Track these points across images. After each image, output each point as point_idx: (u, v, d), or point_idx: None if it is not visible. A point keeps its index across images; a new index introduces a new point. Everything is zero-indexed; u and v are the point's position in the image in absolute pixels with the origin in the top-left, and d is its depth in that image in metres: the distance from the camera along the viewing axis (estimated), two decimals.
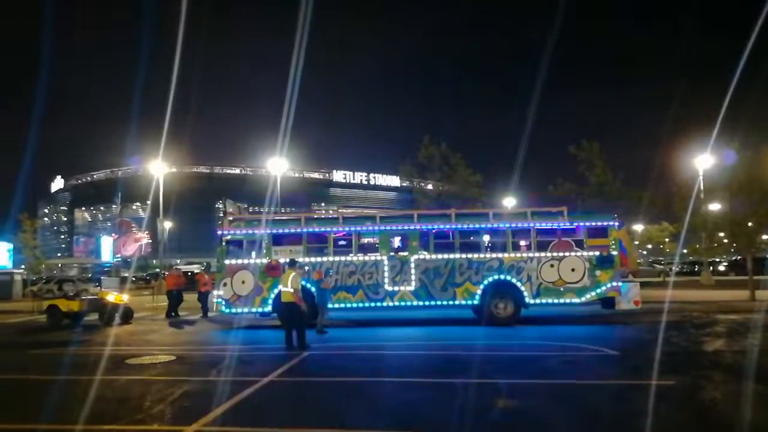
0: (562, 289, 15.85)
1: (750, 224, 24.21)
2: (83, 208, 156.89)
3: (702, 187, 32.93)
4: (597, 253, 15.95)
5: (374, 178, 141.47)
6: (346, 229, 16.35)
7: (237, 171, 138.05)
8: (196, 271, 37.19)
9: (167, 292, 20.55)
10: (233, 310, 15.92)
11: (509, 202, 35.37)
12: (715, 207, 34.03)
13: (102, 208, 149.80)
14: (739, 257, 50.90)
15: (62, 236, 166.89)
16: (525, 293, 15.78)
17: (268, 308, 15.83)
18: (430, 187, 31.86)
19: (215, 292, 16.24)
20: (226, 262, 16.01)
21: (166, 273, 20.89)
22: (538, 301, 15.86)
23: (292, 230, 16.27)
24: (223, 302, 15.81)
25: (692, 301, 22.60)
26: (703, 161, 33.25)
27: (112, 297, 18.04)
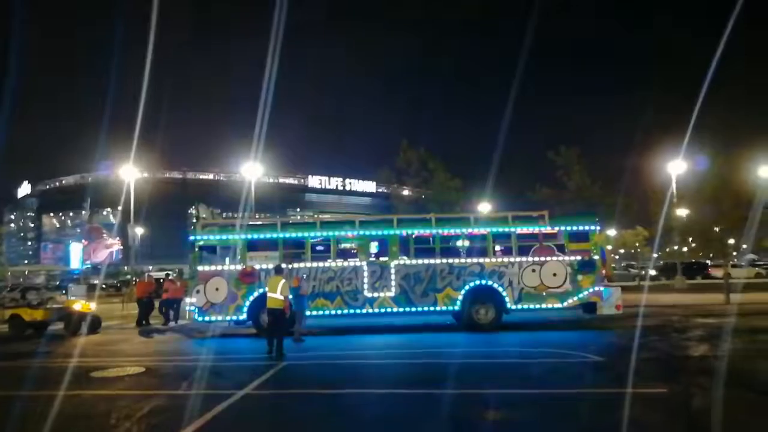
0: (544, 294, 15.64)
1: (717, 230, 24.67)
2: (51, 214, 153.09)
3: (675, 192, 33.49)
4: (579, 257, 15.78)
5: (350, 183, 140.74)
6: (324, 234, 15.92)
7: (210, 176, 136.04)
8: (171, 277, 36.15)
9: (137, 300, 19.83)
10: (207, 319, 15.34)
11: (485, 207, 35.35)
12: (683, 212, 34.57)
13: (71, 214, 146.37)
14: (666, 262, 52.14)
15: (29, 243, 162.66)
16: (507, 298, 15.53)
17: (243, 316, 15.30)
18: (406, 192, 31.61)
19: (188, 300, 15.64)
20: (199, 268, 15.43)
21: (137, 280, 20.14)
22: (519, 306, 15.62)
23: (268, 235, 15.77)
24: (196, 310, 15.21)
25: (669, 305, 22.65)
26: (675, 166, 33.82)
27: (78, 305, 17.27)
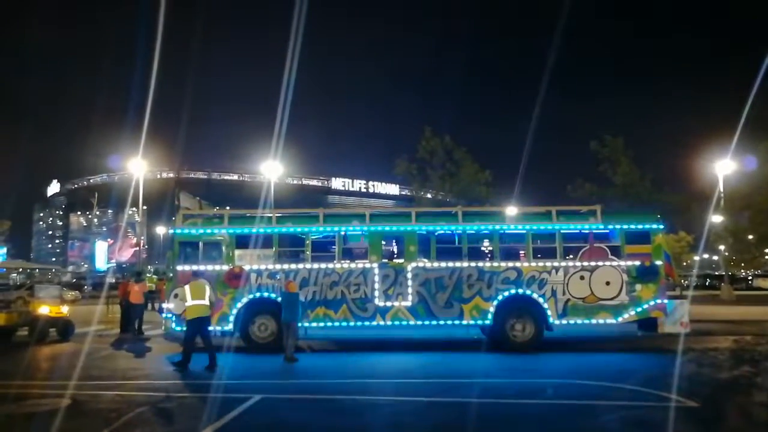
0: (594, 306, 12.75)
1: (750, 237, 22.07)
2: (78, 213, 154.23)
3: (722, 195, 30.16)
4: (637, 262, 12.86)
5: (373, 186, 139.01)
6: (328, 229, 13.25)
7: (235, 177, 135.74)
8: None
9: (120, 303, 17.45)
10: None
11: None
12: (718, 219, 31.27)
13: (97, 212, 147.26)
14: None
15: (57, 240, 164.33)
16: (549, 312, 12.68)
17: (229, 326, 12.71)
18: (429, 195, 28.79)
19: (164, 305, 13.10)
20: (179, 268, 12.89)
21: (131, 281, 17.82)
22: (564, 321, 12.75)
23: (261, 230, 13.15)
24: (174, 318, 12.66)
25: (732, 320, 19.59)
26: (723, 167, 30.49)
27: (46, 309, 14.90)
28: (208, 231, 13.14)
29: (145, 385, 9.10)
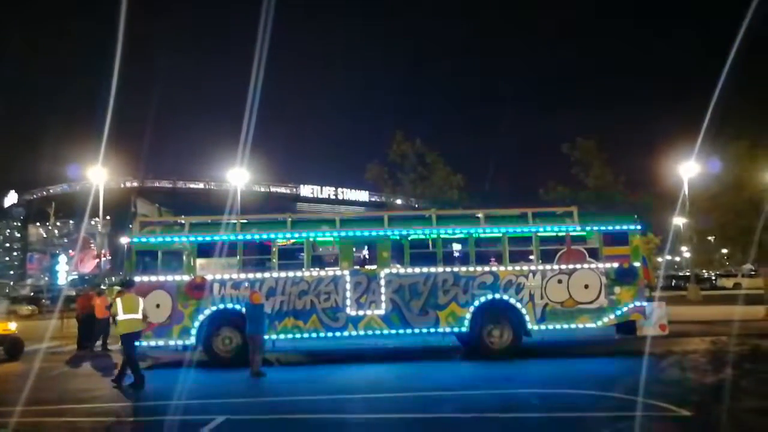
0: (573, 311, 12.39)
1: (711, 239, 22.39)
2: (38, 224, 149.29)
3: (687, 197, 30.52)
4: (616, 264, 12.55)
5: (343, 192, 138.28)
6: (296, 235, 12.59)
7: (201, 185, 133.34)
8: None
9: (76, 317, 16.41)
10: (144, 343, 11.95)
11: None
12: (680, 221, 31.65)
13: (58, 223, 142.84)
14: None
15: (15, 253, 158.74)
16: (527, 317, 12.27)
17: (191, 340, 11.92)
18: (399, 201, 28.38)
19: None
20: (137, 279, 12.04)
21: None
22: (543, 327, 12.35)
23: (224, 237, 12.40)
24: None
25: (703, 321, 19.54)
26: (687, 169, 30.84)
27: None
28: (168, 239, 12.35)
29: (96, 410, 8.31)
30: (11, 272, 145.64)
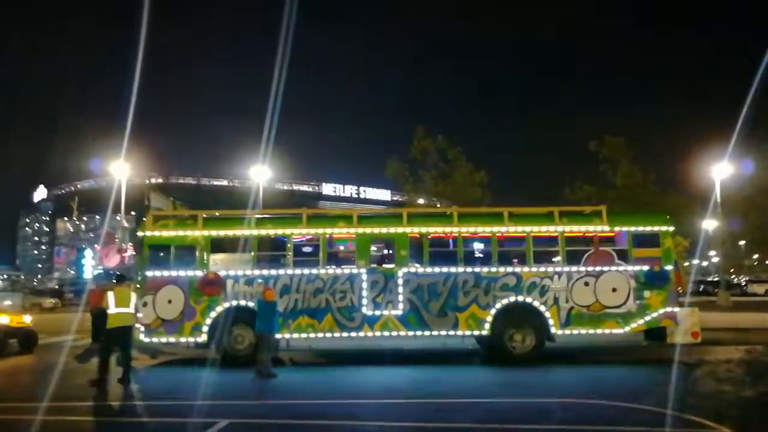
0: (599, 315, 11.79)
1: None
2: (65, 218, 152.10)
3: (719, 199, 29.44)
4: (646, 267, 11.92)
5: (365, 191, 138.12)
6: (312, 231, 12.21)
7: (225, 183, 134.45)
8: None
9: (90, 312, 16.26)
10: (155, 340, 11.70)
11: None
12: (711, 224, 30.57)
13: (85, 218, 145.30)
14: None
15: (43, 247, 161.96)
16: (551, 321, 11.70)
17: (203, 338, 11.62)
18: (421, 201, 27.92)
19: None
20: (148, 273, 11.80)
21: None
22: (567, 331, 11.78)
23: (238, 233, 12.08)
24: (142, 328, 11.55)
25: (739, 329, 18.71)
26: (720, 170, 29.78)
27: (5, 319, 13.72)
28: (181, 234, 12.05)
29: (98, 408, 8.00)
30: (39, 265, 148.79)
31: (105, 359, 9.61)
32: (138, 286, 11.87)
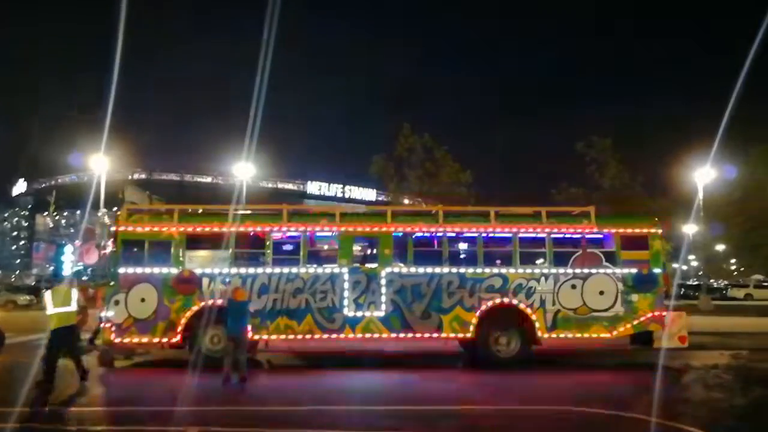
0: (586, 318, 11.54)
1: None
2: (45, 214, 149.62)
3: (701, 204, 29.51)
4: (634, 270, 11.69)
5: (350, 190, 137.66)
6: (293, 229, 11.80)
7: (208, 180, 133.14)
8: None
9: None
10: (127, 340, 11.20)
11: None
12: (691, 229, 30.69)
13: (65, 213, 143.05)
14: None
15: (22, 242, 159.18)
16: (537, 324, 11.42)
17: (177, 338, 11.15)
18: (406, 201, 27.64)
19: (103, 314, 11.43)
20: (121, 270, 11.30)
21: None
22: (553, 335, 11.52)
23: (216, 229, 11.63)
24: (114, 328, 11.06)
25: (724, 333, 18.64)
26: (703, 175, 29.85)
27: None
28: (155, 229, 11.57)
29: (53, 413, 7.50)
30: (17, 261, 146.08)
31: (51, 364, 8.93)
32: (111, 283, 11.43)
